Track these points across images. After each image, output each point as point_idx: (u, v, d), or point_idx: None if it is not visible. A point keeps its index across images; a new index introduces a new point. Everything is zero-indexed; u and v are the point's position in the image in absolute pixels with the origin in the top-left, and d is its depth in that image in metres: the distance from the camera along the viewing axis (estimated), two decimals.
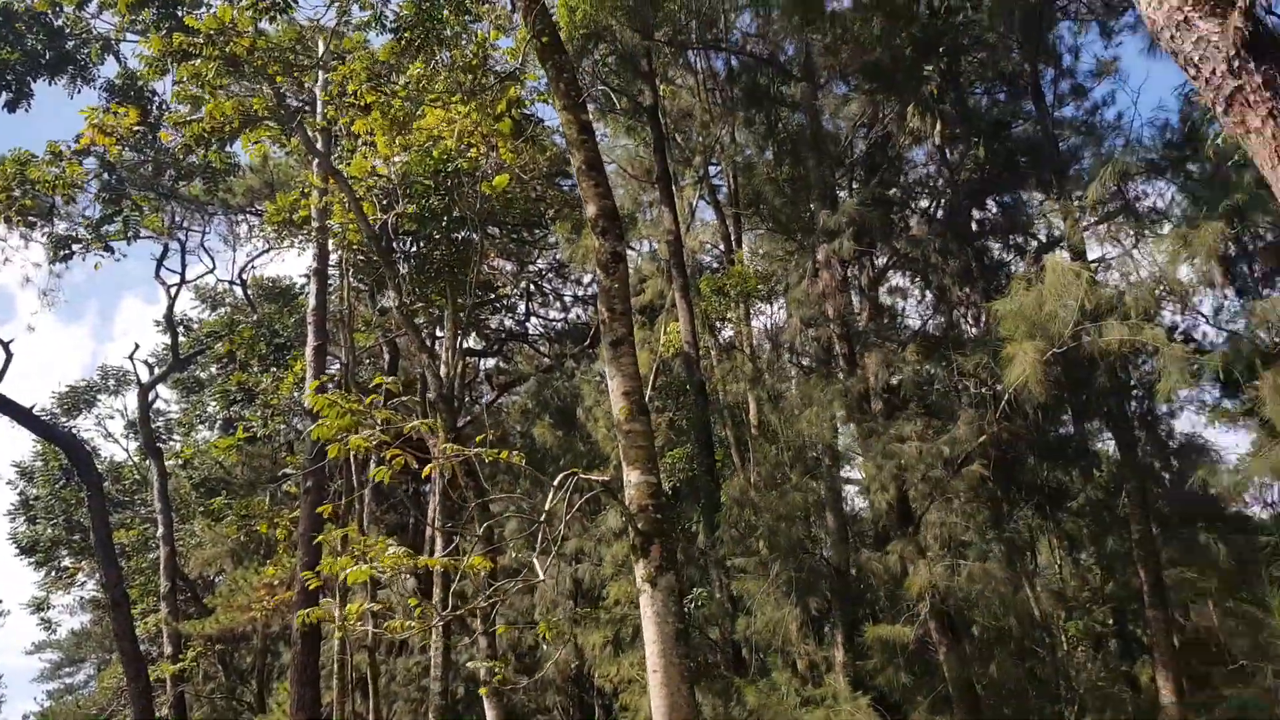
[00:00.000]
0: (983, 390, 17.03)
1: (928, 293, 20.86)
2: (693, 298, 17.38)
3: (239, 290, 30.35)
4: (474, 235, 12.73)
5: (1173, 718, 14.71)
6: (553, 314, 29.03)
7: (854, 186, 18.64)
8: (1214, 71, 4.67)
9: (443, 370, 12.31)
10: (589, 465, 18.70)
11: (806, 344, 19.17)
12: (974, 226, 18.93)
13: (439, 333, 20.60)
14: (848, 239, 16.11)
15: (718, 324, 20.13)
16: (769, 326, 22.44)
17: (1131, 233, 16.36)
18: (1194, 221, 14.19)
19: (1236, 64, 4.57)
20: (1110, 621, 20.44)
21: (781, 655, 15.43)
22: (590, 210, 8.05)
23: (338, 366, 21.07)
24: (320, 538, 11.61)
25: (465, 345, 25.64)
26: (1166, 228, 15.52)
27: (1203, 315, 18.07)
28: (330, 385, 15.70)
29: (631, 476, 7.29)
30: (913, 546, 13.66)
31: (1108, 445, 19.23)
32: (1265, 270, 16.45)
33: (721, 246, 21.42)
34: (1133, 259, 16.01)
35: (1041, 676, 18.68)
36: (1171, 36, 4.87)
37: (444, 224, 11.89)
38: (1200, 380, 17.02)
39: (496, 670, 10.09)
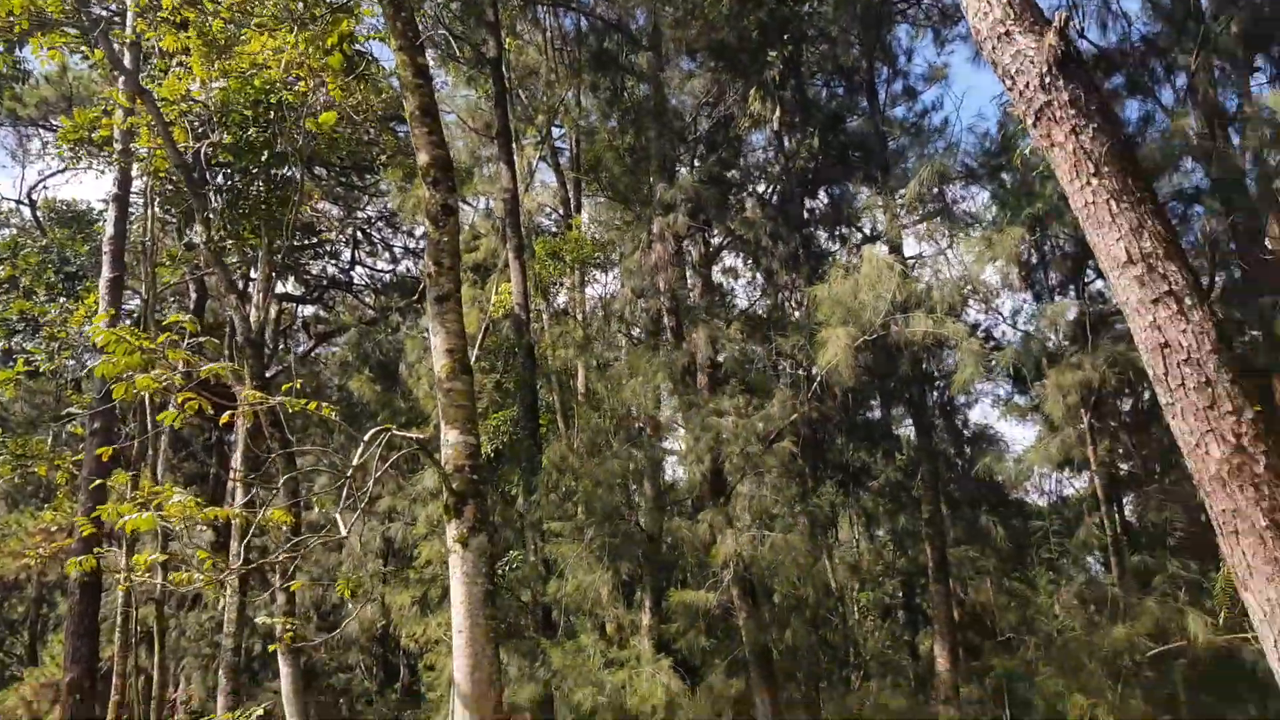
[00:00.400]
0: (799, 371, 17.73)
1: (757, 274, 21.48)
2: (527, 260, 17.13)
3: (26, 211, 27.60)
4: (296, 174, 12.01)
5: (945, 684, 15.96)
6: (380, 264, 28.01)
7: (695, 164, 18.86)
8: (1027, 85, 4.93)
9: (253, 314, 11.60)
10: (409, 423, 18.21)
11: (637, 314, 19.33)
12: (805, 214, 19.59)
13: (253, 274, 19.45)
14: (683, 214, 16.30)
15: (551, 288, 19.96)
16: (603, 294, 22.50)
17: (947, 233, 17.36)
18: (1000, 227, 15.21)
19: (1048, 80, 4.84)
20: (899, 594, 21.91)
21: (591, 618, 15.62)
22: (422, 159, 7.73)
23: (137, 302, 19.55)
24: (104, 481, 10.81)
25: (282, 290, 24.39)
26: (978, 231, 16.55)
27: (1001, 315, 19.48)
28: (128, 322, 14.56)
29: (450, 436, 7.11)
30: (723, 516, 14.08)
31: (909, 430, 20.50)
32: (1060, 277, 17.90)
33: (560, 210, 21.21)
34: (946, 258, 17.02)
35: (833, 643, 19.82)
36: (993, 48, 5.11)
37: (263, 159, 11.15)
38: (995, 375, 18.38)
39: (289, 627, 9.70)
